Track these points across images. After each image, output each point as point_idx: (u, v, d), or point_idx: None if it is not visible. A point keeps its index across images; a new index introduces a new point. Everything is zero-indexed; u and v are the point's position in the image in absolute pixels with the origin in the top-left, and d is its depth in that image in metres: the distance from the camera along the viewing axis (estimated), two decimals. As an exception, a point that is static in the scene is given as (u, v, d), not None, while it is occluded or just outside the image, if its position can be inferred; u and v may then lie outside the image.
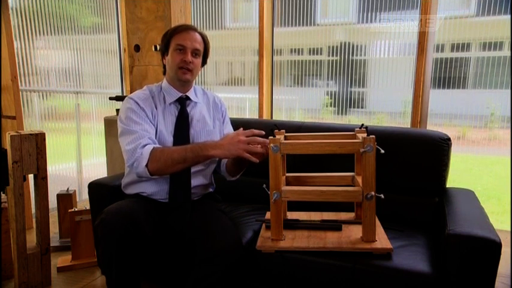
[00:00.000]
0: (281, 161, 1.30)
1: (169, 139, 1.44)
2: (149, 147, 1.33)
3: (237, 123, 1.70)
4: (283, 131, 1.44)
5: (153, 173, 1.33)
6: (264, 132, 1.32)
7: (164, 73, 1.53)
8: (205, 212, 1.44)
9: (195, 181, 1.49)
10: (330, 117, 3.06)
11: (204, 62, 1.52)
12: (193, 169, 1.47)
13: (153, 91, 1.49)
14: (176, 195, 1.46)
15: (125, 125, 1.39)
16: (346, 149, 1.27)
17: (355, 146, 1.26)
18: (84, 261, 1.96)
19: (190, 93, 1.52)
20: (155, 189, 1.46)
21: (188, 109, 1.50)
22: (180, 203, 1.46)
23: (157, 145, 1.39)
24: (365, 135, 1.28)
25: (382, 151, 1.22)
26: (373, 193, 1.24)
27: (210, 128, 1.54)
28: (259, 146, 1.29)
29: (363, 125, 1.45)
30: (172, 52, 1.43)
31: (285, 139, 1.40)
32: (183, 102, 1.49)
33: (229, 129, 1.63)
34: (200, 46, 1.45)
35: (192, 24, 2.99)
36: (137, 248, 1.23)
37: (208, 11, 3.25)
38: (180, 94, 1.49)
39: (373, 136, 1.22)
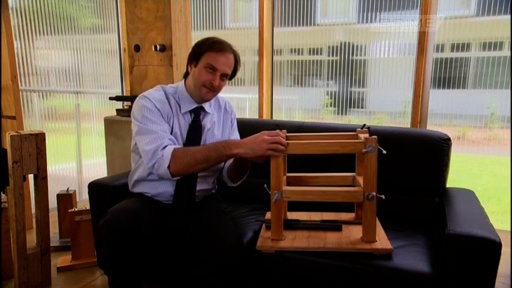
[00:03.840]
0: (282, 161, 1.30)
1: (180, 145, 1.42)
2: (170, 148, 1.31)
3: (237, 124, 1.69)
4: (285, 130, 1.44)
5: (175, 174, 1.31)
6: (284, 136, 1.30)
7: (184, 77, 1.49)
8: (206, 213, 1.45)
9: (198, 186, 1.49)
10: (330, 117, 3.06)
11: (229, 79, 1.48)
12: (198, 174, 1.47)
13: (168, 93, 1.45)
14: (181, 199, 1.46)
15: (142, 124, 1.36)
16: (348, 149, 1.27)
17: (357, 146, 1.26)
18: (84, 261, 1.96)
19: (205, 104, 1.50)
20: (159, 191, 1.45)
21: (201, 118, 1.49)
22: (184, 206, 1.46)
23: (178, 145, 1.37)
24: (367, 135, 1.28)
25: (384, 152, 1.22)
26: (374, 193, 1.24)
27: (218, 137, 1.53)
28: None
29: (364, 125, 1.44)
30: (201, 68, 1.38)
31: (286, 139, 1.39)
32: (197, 112, 1.47)
33: (235, 135, 1.61)
34: (230, 69, 1.41)
35: (192, 24, 3.00)
36: (140, 248, 1.23)
37: (208, 11, 3.26)
38: (196, 105, 1.47)
39: (375, 136, 1.22)
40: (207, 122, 1.50)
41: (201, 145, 1.45)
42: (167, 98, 1.44)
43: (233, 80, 1.53)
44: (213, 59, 1.36)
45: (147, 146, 1.33)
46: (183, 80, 1.50)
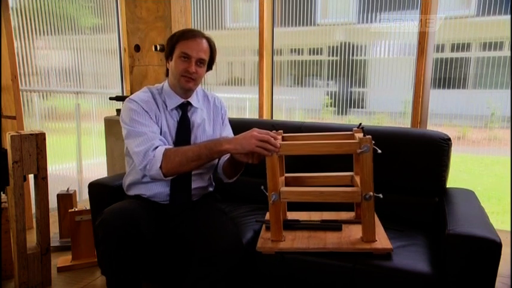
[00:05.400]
0: (278, 162, 1.29)
1: (170, 144, 1.43)
2: (161, 149, 1.31)
3: (237, 123, 1.70)
4: (281, 131, 1.44)
5: (167, 174, 1.31)
6: (280, 137, 1.30)
7: (167, 75, 1.50)
8: (204, 212, 1.44)
9: (194, 184, 1.49)
10: (330, 117, 3.06)
11: (209, 68, 1.48)
12: (192, 172, 1.47)
13: (154, 93, 1.46)
14: (177, 198, 1.46)
15: (131, 127, 1.36)
16: (343, 149, 1.27)
17: (351, 146, 1.26)
18: (84, 261, 1.96)
19: (192, 99, 1.49)
20: (155, 192, 1.45)
21: (189, 114, 1.48)
22: (181, 206, 1.46)
23: (168, 146, 1.37)
24: (362, 135, 1.27)
25: (379, 151, 1.21)
26: (371, 193, 1.24)
27: (210, 133, 1.53)
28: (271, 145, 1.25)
29: (360, 124, 1.44)
30: (176, 59, 1.39)
31: (282, 140, 1.39)
32: (184, 108, 1.47)
33: (228, 131, 1.61)
34: (206, 55, 1.41)
35: (192, 24, 3.00)
36: (137, 248, 1.23)
37: (208, 11, 3.25)
38: (182, 100, 1.46)
39: (370, 136, 1.22)
40: (196, 118, 1.49)
41: (192, 142, 1.46)
42: (154, 98, 1.44)
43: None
44: (185, 47, 1.37)
45: (138, 147, 1.33)
46: (167, 79, 1.50)
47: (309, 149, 1.27)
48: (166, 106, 1.45)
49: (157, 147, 1.32)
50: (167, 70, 1.48)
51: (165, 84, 1.50)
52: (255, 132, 1.25)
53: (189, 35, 1.39)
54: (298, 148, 1.28)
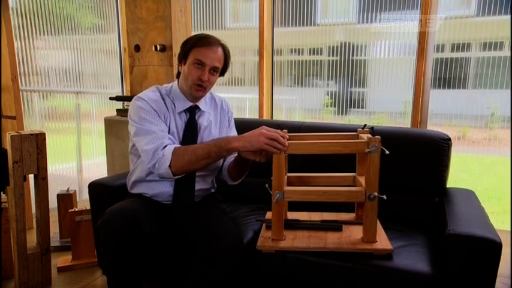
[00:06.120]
0: (284, 160, 1.30)
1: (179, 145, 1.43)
2: (170, 148, 1.31)
3: (237, 124, 1.69)
4: (286, 131, 1.43)
5: (176, 173, 1.31)
6: (287, 136, 1.31)
7: (177, 76, 1.49)
8: (206, 212, 1.44)
9: (197, 185, 1.49)
10: (330, 117, 3.06)
11: (221, 75, 1.48)
12: (196, 174, 1.47)
13: (162, 94, 1.45)
14: (180, 199, 1.46)
15: (139, 125, 1.36)
16: (351, 149, 1.27)
17: (359, 146, 1.26)
18: (84, 261, 1.96)
19: (200, 103, 1.49)
20: (158, 191, 1.45)
21: (196, 117, 1.48)
22: (183, 206, 1.46)
23: (177, 145, 1.37)
24: (369, 135, 1.27)
25: (387, 152, 1.21)
26: (376, 193, 1.24)
27: (216, 136, 1.53)
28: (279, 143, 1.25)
29: (365, 125, 1.44)
30: (190, 65, 1.38)
31: (288, 139, 1.39)
32: (192, 111, 1.47)
33: (233, 134, 1.61)
34: (220, 63, 1.40)
35: (192, 24, 3.00)
36: (139, 249, 1.23)
37: (208, 11, 3.26)
38: (190, 104, 1.46)
39: (379, 137, 1.22)
40: (203, 121, 1.50)
41: (200, 143, 1.46)
42: (162, 98, 1.44)
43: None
44: (200, 54, 1.36)
45: (147, 145, 1.32)
46: (176, 80, 1.50)
47: (317, 148, 1.26)
48: (175, 107, 1.45)
49: (166, 146, 1.33)
50: (178, 72, 1.47)
51: (175, 85, 1.49)
52: (264, 130, 1.26)
53: (205, 42, 1.37)
54: (306, 147, 1.28)
